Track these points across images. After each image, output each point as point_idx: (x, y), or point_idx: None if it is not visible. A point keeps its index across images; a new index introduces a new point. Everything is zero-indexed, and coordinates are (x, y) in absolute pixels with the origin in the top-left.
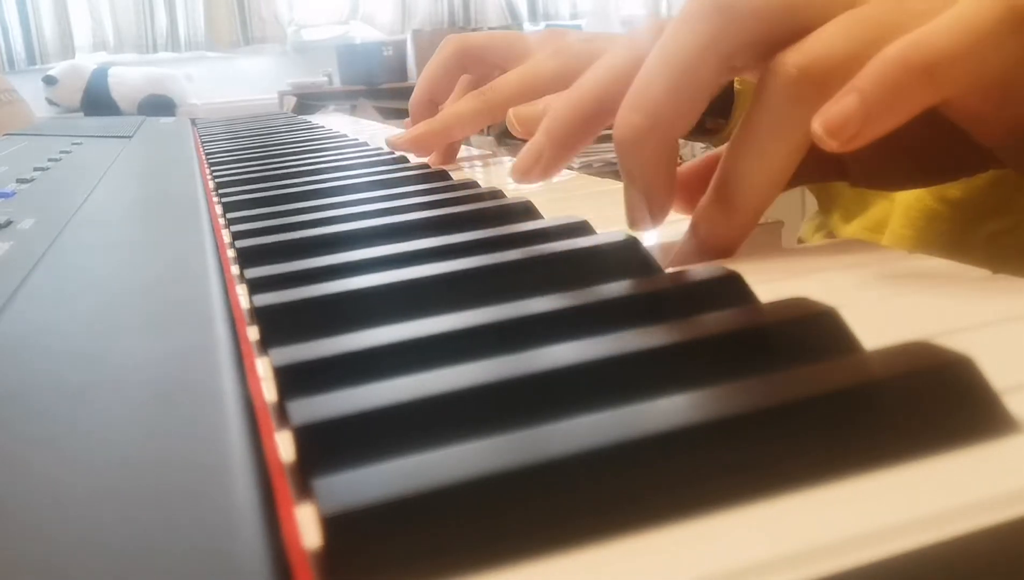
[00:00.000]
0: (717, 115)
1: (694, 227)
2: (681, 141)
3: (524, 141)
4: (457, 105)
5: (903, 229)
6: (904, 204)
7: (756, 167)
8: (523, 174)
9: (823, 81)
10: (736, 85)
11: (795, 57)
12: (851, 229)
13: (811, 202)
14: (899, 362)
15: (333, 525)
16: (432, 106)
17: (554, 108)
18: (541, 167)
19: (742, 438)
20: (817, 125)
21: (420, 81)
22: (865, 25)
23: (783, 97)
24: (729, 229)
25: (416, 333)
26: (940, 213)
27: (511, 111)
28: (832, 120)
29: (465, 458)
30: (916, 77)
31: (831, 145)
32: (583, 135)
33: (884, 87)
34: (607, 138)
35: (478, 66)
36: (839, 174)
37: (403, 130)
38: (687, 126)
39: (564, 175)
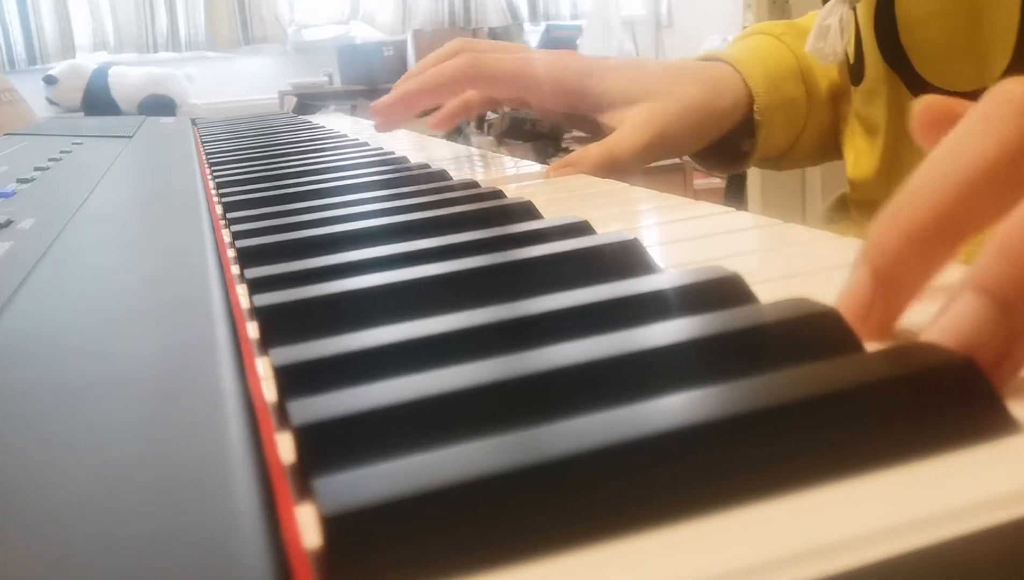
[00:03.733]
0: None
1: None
2: (691, 164)
3: (526, 141)
4: (443, 64)
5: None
6: None
7: None
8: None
9: None
10: (756, 116)
11: None
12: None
13: (811, 198)
14: (900, 362)
15: (333, 525)
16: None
17: (881, 229)
18: (873, 323)
19: (742, 438)
20: None
21: (420, 63)
22: None
23: None
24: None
25: (416, 333)
26: None
27: (550, 170)
28: None
29: (465, 458)
30: None
31: None
32: (927, 270)
33: None
34: None
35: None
36: None
37: (403, 131)
38: None
39: (564, 175)
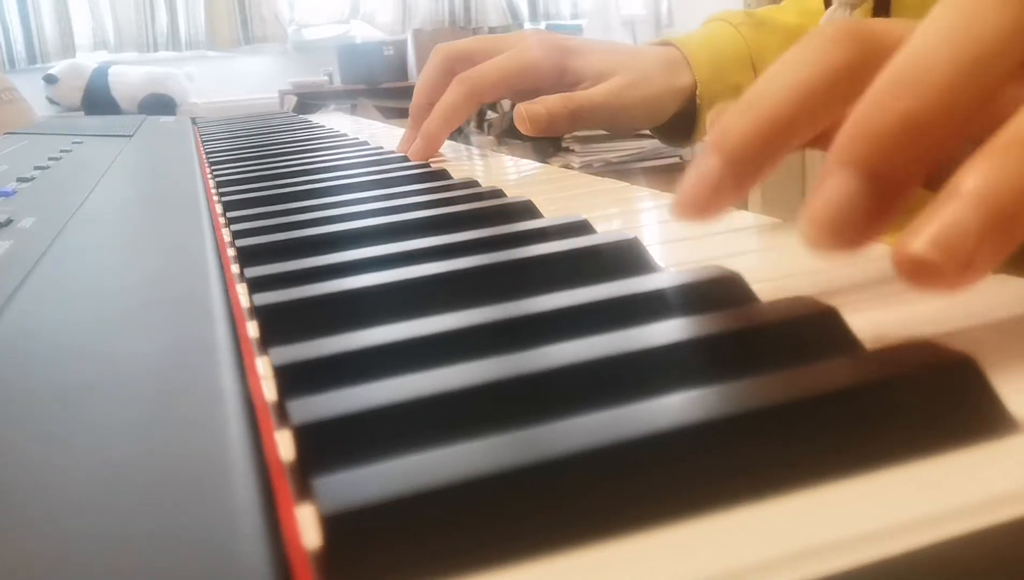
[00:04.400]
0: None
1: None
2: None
3: (526, 140)
4: (444, 97)
5: None
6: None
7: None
8: (694, 210)
9: None
10: (697, 100)
11: None
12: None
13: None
14: (900, 362)
15: (333, 524)
16: (430, 108)
17: (730, 123)
18: (718, 198)
19: (742, 438)
20: None
21: (417, 88)
22: None
23: None
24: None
25: (416, 332)
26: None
27: (520, 106)
28: None
29: (465, 458)
30: None
31: None
32: (768, 159)
33: None
34: (606, 138)
35: (468, 66)
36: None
37: (403, 130)
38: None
39: (564, 174)
